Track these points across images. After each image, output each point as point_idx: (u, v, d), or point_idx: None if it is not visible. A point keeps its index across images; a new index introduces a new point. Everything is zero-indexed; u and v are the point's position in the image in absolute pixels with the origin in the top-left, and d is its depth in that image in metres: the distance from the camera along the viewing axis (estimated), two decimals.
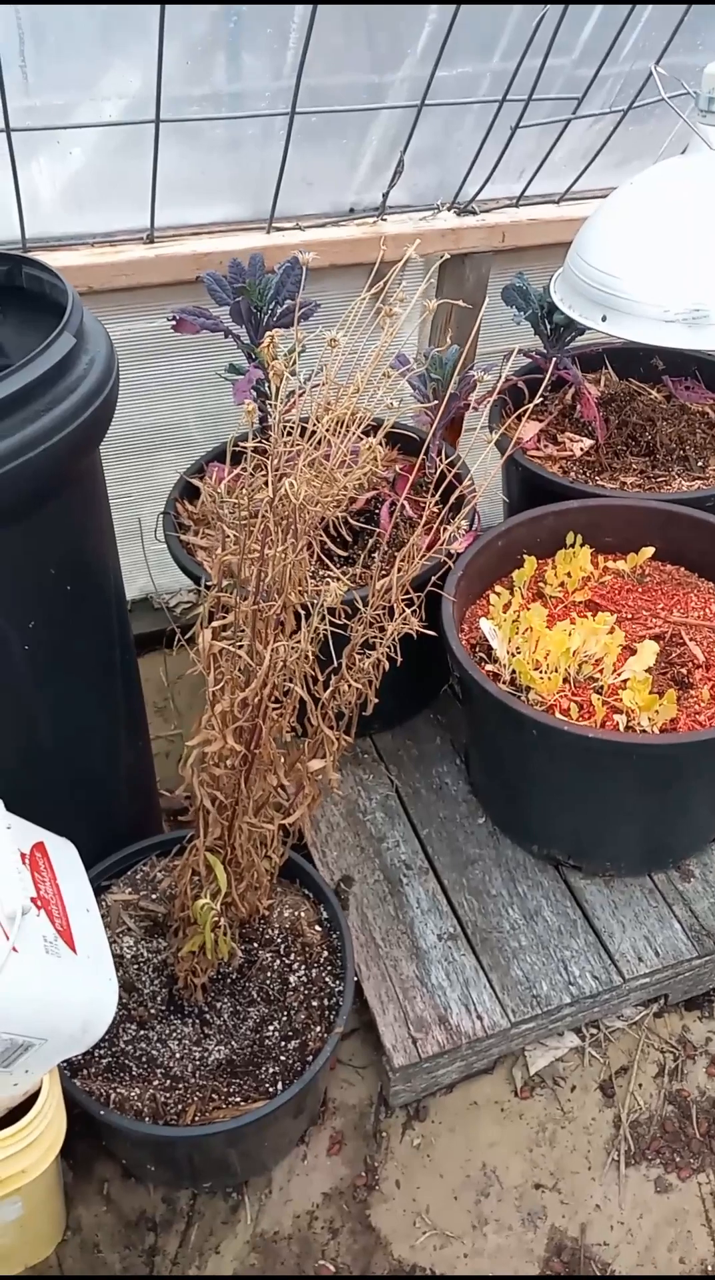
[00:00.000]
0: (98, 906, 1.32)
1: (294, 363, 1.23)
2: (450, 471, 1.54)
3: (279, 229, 1.91)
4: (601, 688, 1.60)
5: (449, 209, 2.07)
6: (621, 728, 1.53)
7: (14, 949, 1.01)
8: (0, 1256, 1.39)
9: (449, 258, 1.92)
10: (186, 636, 1.27)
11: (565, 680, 1.61)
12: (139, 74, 1.60)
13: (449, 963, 1.66)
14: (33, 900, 1.10)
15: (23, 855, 1.15)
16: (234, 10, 1.58)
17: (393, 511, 1.80)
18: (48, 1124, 1.16)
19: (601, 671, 1.61)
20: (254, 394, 1.68)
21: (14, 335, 1.45)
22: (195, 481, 1.95)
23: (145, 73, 1.58)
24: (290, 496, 1.13)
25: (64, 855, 1.27)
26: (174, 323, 1.74)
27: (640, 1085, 1.66)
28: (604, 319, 1.48)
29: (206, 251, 1.82)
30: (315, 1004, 1.45)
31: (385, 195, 1.95)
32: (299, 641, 1.22)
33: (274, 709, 1.27)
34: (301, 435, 1.18)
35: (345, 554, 1.77)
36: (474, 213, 2.07)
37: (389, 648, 1.30)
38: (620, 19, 1.79)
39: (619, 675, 1.61)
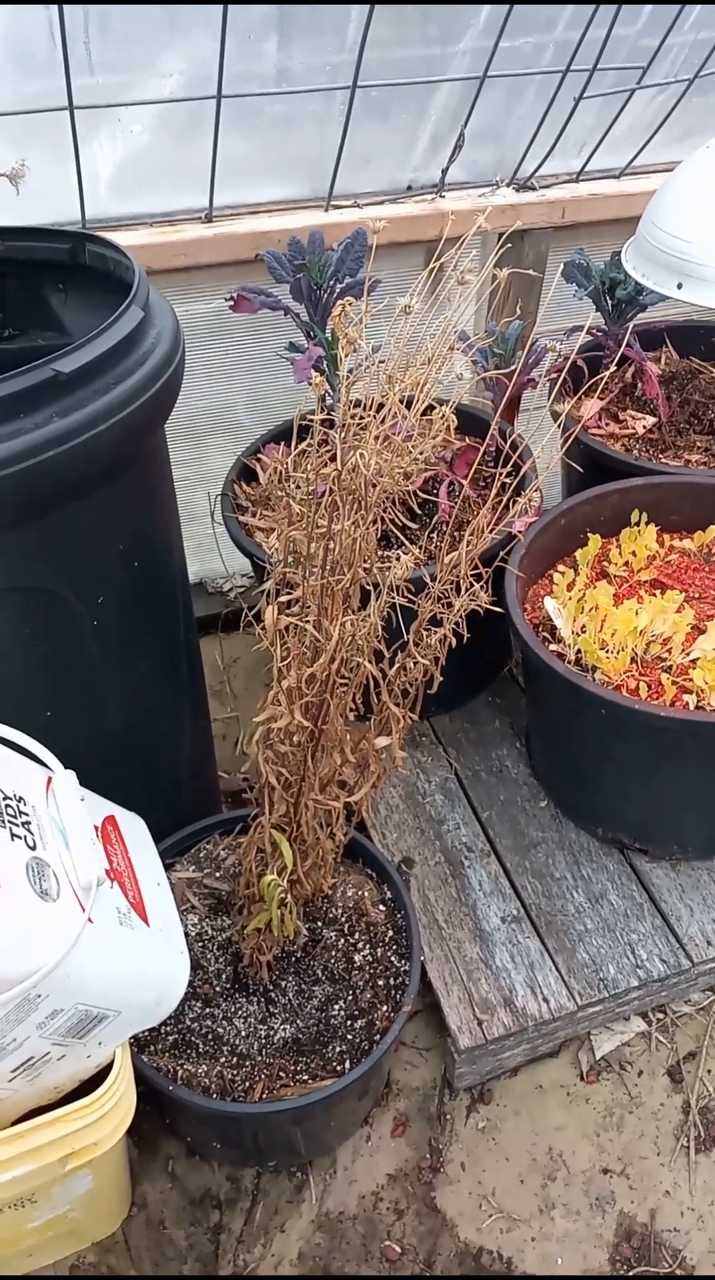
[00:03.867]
0: None
1: (361, 334, 1.21)
2: (513, 451, 1.53)
3: (337, 207, 1.90)
4: (670, 667, 1.57)
5: (508, 185, 2.04)
6: (691, 707, 1.50)
7: (89, 920, 1.01)
8: (69, 1230, 1.40)
9: (509, 233, 1.90)
10: (252, 613, 1.26)
11: (632, 660, 1.58)
12: (200, 51, 1.59)
13: (513, 945, 1.64)
14: (106, 872, 1.10)
15: (95, 828, 1.16)
16: None
17: (454, 490, 1.78)
18: (120, 1097, 1.16)
19: (670, 651, 1.58)
20: (314, 371, 1.67)
21: (76, 313, 1.46)
22: (252, 463, 1.95)
23: (207, 49, 1.58)
24: (361, 468, 1.11)
25: (135, 829, 1.27)
26: (232, 302, 1.73)
27: (709, 1071, 1.63)
28: (680, 286, 1.45)
29: (265, 230, 1.82)
30: (381, 983, 1.44)
31: (444, 171, 1.93)
32: (367, 616, 1.21)
33: (341, 684, 1.26)
34: (369, 409, 1.17)
35: (409, 530, 1.76)
36: (533, 188, 2.04)
37: (456, 623, 1.28)
38: None
39: (688, 655, 1.58)
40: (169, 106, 1.66)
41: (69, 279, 1.42)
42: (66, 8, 1.44)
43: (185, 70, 1.64)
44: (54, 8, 1.44)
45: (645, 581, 1.75)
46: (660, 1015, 1.69)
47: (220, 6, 1.49)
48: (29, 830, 1.01)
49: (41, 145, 1.63)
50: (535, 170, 2.02)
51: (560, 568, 1.77)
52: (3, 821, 0.98)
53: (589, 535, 1.78)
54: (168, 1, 1.48)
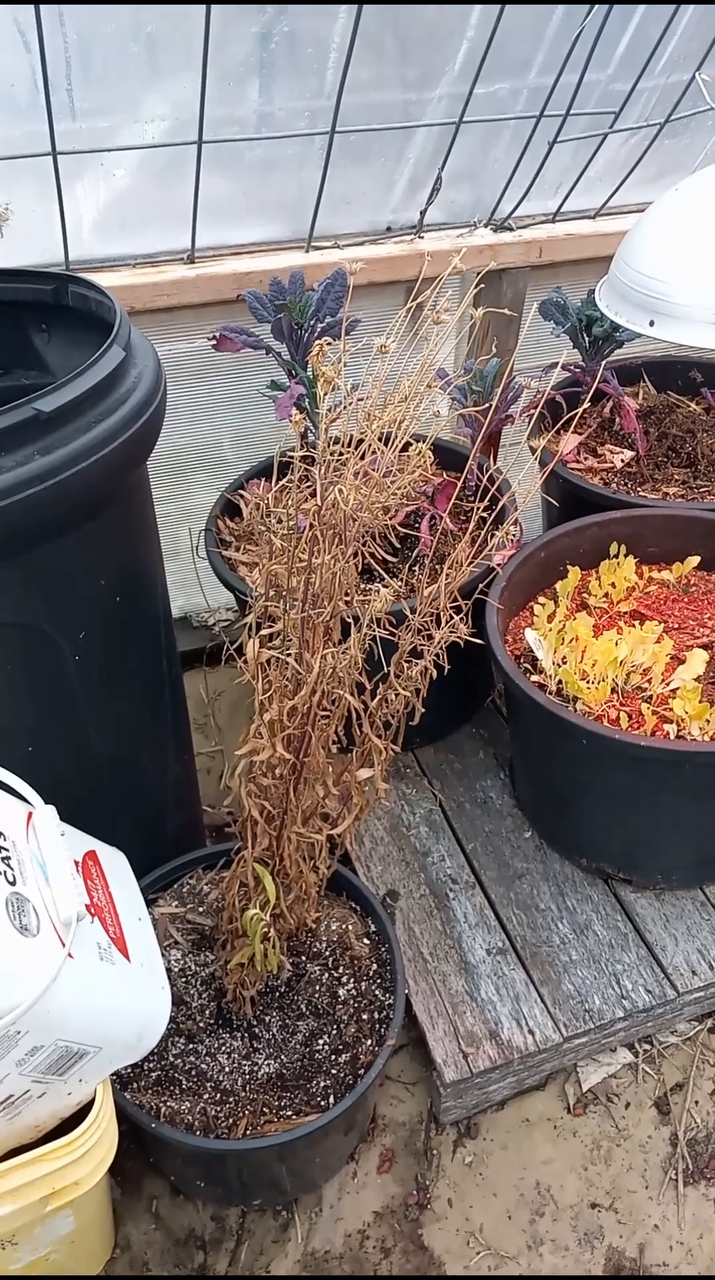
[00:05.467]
0: None
1: (340, 373, 1.23)
2: (491, 485, 1.55)
3: (317, 248, 1.93)
4: (650, 697, 1.59)
5: (486, 226, 2.08)
6: (672, 737, 1.51)
7: (69, 955, 1.01)
8: (52, 1273, 1.38)
9: (486, 273, 1.94)
10: (234, 646, 1.27)
11: (613, 690, 1.60)
12: (180, 97, 1.63)
13: (499, 977, 1.64)
14: (86, 908, 1.10)
15: (76, 863, 1.16)
16: (275, 33, 1.60)
17: (434, 524, 1.80)
18: (101, 1135, 1.15)
19: (650, 681, 1.60)
20: (296, 409, 1.69)
21: (59, 353, 1.48)
22: (235, 498, 1.96)
23: (186, 96, 1.61)
24: (339, 504, 1.13)
25: (115, 864, 1.27)
26: (214, 341, 1.76)
27: (696, 1102, 1.63)
28: (652, 324, 1.48)
29: (247, 271, 1.85)
30: (365, 1017, 1.44)
31: (423, 212, 1.97)
32: (348, 649, 1.22)
33: (323, 717, 1.27)
34: (348, 445, 1.19)
35: (389, 564, 1.77)
36: (511, 229, 2.08)
37: (436, 654, 1.29)
38: (656, 33, 1.80)
39: (668, 684, 1.59)
40: (151, 150, 1.70)
41: (52, 319, 1.45)
42: (49, 54, 1.47)
43: (167, 114, 1.67)
44: (37, 53, 1.46)
45: (625, 613, 1.77)
46: (647, 1046, 1.69)
47: (200, 50, 1.52)
48: (8, 865, 1.01)
49: (25, 187, 1.66)
50: (512, 211, 2.06)
51: (540, 599, 1.79)
52: None
53: (569, 567, 1.79)
54: (151, 1, 1.49)
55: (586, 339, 2.01)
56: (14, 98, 1.54)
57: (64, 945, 1.01)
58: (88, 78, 1.55)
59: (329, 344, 1.17)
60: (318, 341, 1.13)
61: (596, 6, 1.68)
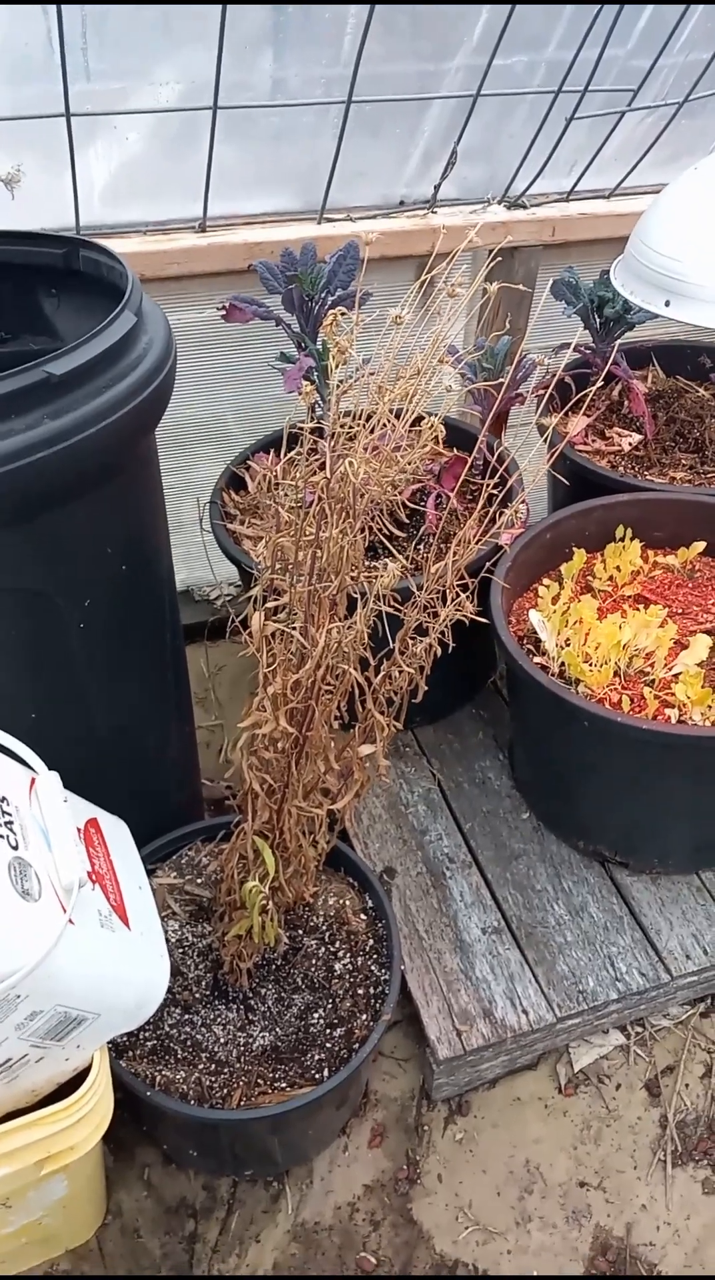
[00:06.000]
0: None
1: (352, 345, 1.22)
2: (499, 465, 1.54)
3: (330, 219, 1.92)
4: (653, 681, 1.58)
5: (499, 203, 2.06)
6: (673, 721, 1.51)
7: (70, 921, 1.01)
8: (44, 1237, 1.39)
9: (498, 251, 1.92)
10: (239, 619, 1.27)
11: (615, 673, 1.60)
12: (197, 61, 1.61)
13: (493, 956, 1.64)
14: (88, 875, 1.10)
15: (78, 830, 1.16)
16: None
17: (440, 502, 1.79)
18: (97, 1101, 1.16)
19: (653, 665, 1.60)
20: (305, 381, 1.68)
21: (69, 319, 1.46)
22: (241, 472, 1.95)
23: (203, 60, 1.59)
24: (349, 477, 1.12)
25: (117, 833, 1.27)
26: (224, 311, 1.74)
27: (687, 1085, 1.64)
28: (667, 304, 1.46)
29: (258, 241, 1.83)
30: (361, 992, 1.44)
31: (437, 187, 1.95)
32: (353, 624, 1.22)
33: (326, 691, 1.27)
34: (358, 419, 1.18)
35: (396, 538, 1.77)
36: (524, 206, 2.06)
37: (441, 632, 1.29)
38: (676, 11, 1.78)
39: (670, 669, 1.59)
40: (164, 116, 1.68)
41: (62, 284, 1.43)
42: (65, 12, 1.45)
43: (181, 80, 1.65)
44: (53, 14, 1.45)
45: (629, 596, 1.77)
46: (639, 1029, 1.70)
47: (218, 18, 1.50)
48: (11, 830, 1.01)
49: (36, 151, 1.64)
50: (526, 189, 2.04)
51: (545, 581, 1.79)
52: None
53: (574, 550, 1.79)
54: (172, 1, 1.48)
55: (598, 320, 1.99)
56: (29, 58, 1.52)
57: (65, 911, 1.01)
58: (103, 40, 1.53)
59: (342, 315, 1.15)
60: (332, 312, 1.12)
61: None
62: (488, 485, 1.34)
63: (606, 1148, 1.58)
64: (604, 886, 1.74)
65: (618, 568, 1.80)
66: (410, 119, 1.86)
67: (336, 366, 1.15)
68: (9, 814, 1.02)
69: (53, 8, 1.42)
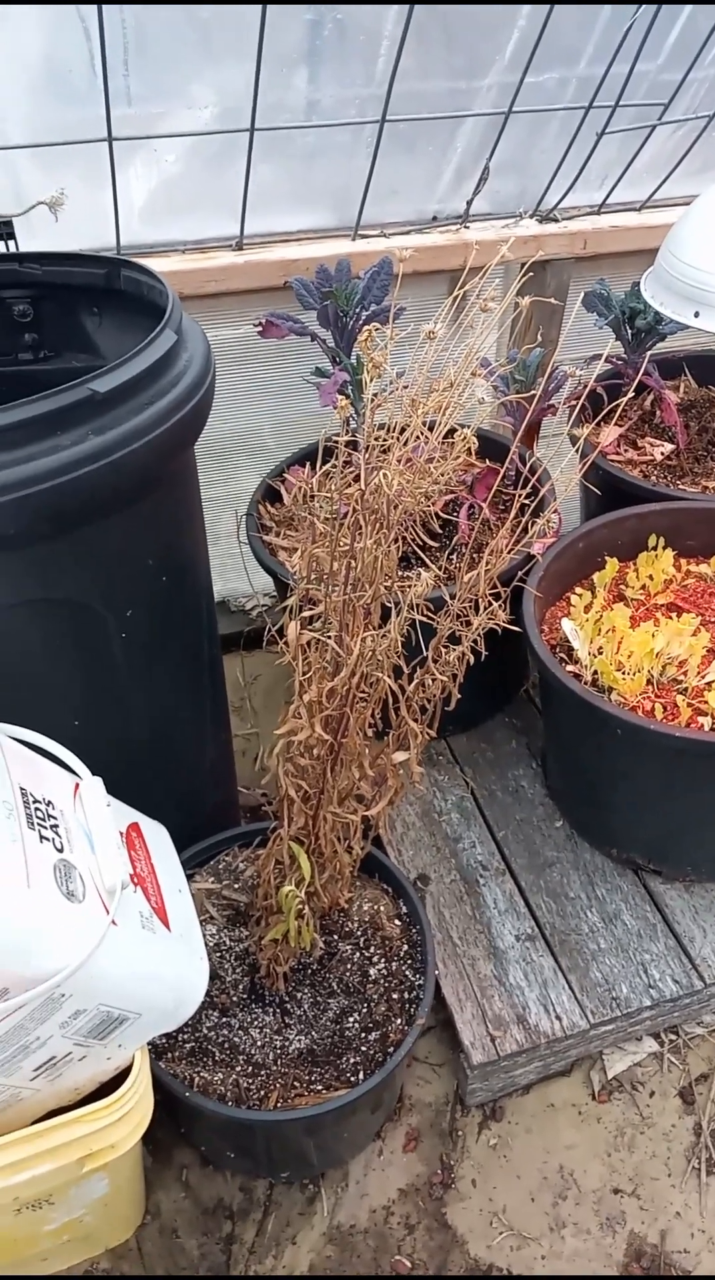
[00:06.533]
0: None
1: (386, 359, 1.25)
2: (531, 475, 1.56)
3: (364, 236, 1.94)
4: (686, 689, 1.59)
5: (531, 216, 2.08)
6: (707, 729, 1.52)
7: (113, 922, 1.04)
8: (84, 1235, 1.42)
9: (531, 263, 1.94)
10: (276, 629, 1.29)
11: (648, 681, 1.60)
12: (232, 83, 1.64)
13: (527, 963, 1.65)
14: (130, 877, 1.13)
15: (120, 834, 1.18)
16: (327, 20, 1.62)
17: (473, 512, 1.81)
18: (138, 1100, 1.18)
19: (685, 673, 1.60)
20: (340, 395, 1.70)
21: (110, 336, 1.50)
22: (277, 484, 1.99)
23: (238, 82, 1.62)
24: (383, 489, 1.15)
25: (157, 837, 1.30)
26: (261, 327, 1.78)
27: None
28: (696, 315, 1.48)
29: (294, 258, 1.86)
30: (395, 996, 1.46)
31: (469, 202, 1.98)
32: (387, 633, 1.24)
33: (361, 699, 1.29)
34: (392, 432, 1.20)
35: (429, 547, 1.79)
36: (556, 220, 2.08)
37: (474, 641, 1.31)
38: (708, 25, 1.80)
39: (703, 677, 1.60)
40: (202, 136, 1.72)
41: (104, 303, 1.47)
42: (108, 35, 1.49)
43: (218, 101, 1.69)
44: (95, 38, 1.48)
45: (662, 605, 1.77)
46: (673, 1036, 1.70)
47: (256, 37, 1.54)
48: (57, 833, 1.04)
49: (77, 171, 1.68)
50: (558, 202, 2.06)
51: (578, 590, 1.80)
52: (33, 824, 1.01)
53: (607, 558, 1.80)
54: (208, 1, 1.51)
55: (629, 331, 2.01)
56: (72, 83, 1.56)
57: (108, 912, 1.03)
58: (143, 64, 1.57)
59: (377, 329, 1.18)
60: (366, 327, 1.15)
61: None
62: (519, 495, 1.36)
63: (640, 1155, 1.58)
64: (637, 894, 1.75)
65: (650, 576, 1.81)
66: (443, 136, 1.89)
67: (371, 380, 1.18)
68: (54, 818, 1.05)
69: (95, 33, 1.46)
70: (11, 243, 1.56)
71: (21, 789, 1.03)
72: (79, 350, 1.52)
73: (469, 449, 1.26)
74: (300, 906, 1.37)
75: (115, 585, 1.24)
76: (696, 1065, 1.67)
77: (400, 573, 1.39)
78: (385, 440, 1.20)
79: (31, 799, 1.04)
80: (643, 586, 1.81)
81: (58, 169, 1.67)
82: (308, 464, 1.99)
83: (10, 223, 1.55)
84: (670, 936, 1.68)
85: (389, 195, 1.94)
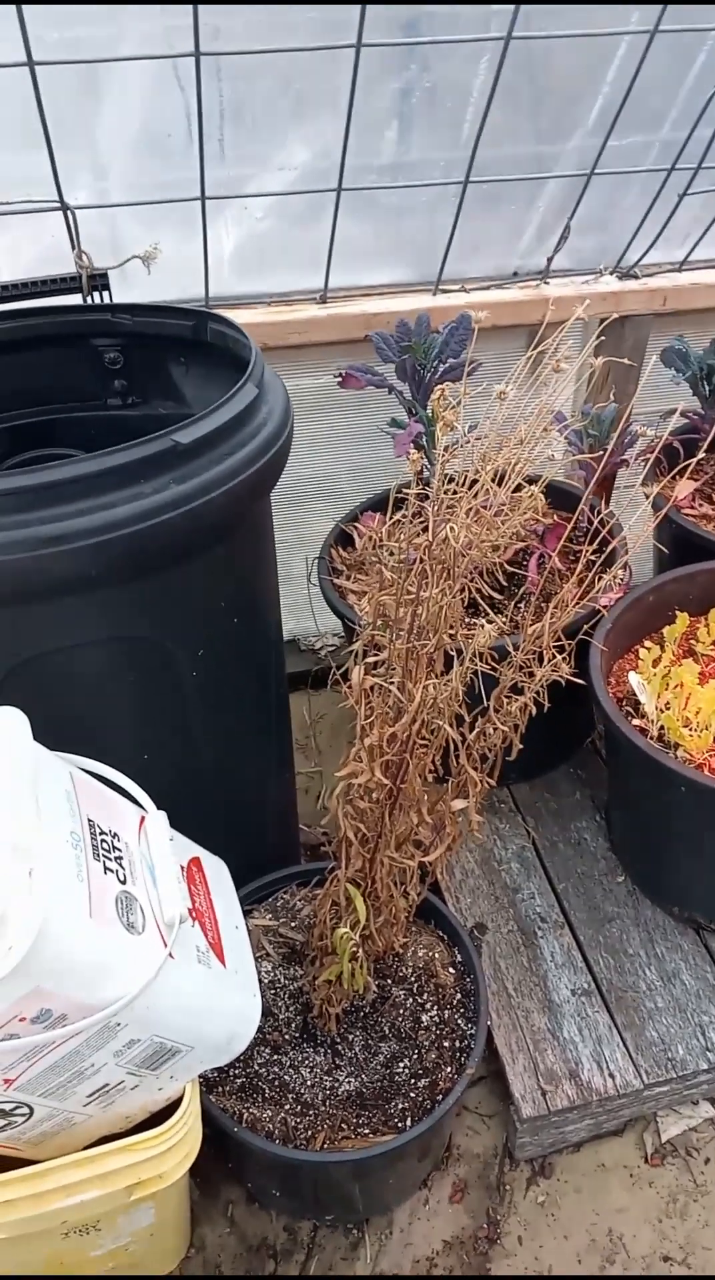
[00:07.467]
0: None
1: (458, 416, 1.28)
2: (603, 528, 1.57)
3: (445, 291, 1.99)
4: None
5: (611, 273, 2.11)
6: None
7: (170, 955, 1.07)
8: (129, 1264, 1.43)
9: (610, 319, 1.97)
10: (340, 672, 1.32)
11: None
12: (322, 145, 1.71)
13: (582, 1018, 1.64)
14: (189, 911, 1.16)
15: (181, 868, 1.22)
16: (416, 88, 1.67)
17: (542, 563, 1.83)
18: (187, 1131, 1.20)
19: None
20: (414, 447, 1.74)
21: (195, 385, 1.56)
22: (350, 529, 2.03)
23: (328, 144, 1.69)
24: (450, 541, 1.17)
25: (217, 872, 1.33)
26: (340, 379, 1.83)
27: None
28: None
29: (375, 312, 1.91)
30: (446, 1044, 1.46)
31: (549, 260, 2.01)
32: (449, 681, 1.26)
33: (421, 745, 1.31)
34: (462, 485, 1.23)
35: (496, 600, 1.81)
36: (636, 277, 2.10)
37: (537, 692, 1.32)
38: None
39: None
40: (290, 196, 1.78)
41: (191, 353, 1.53)
42: (205, 103, 1.56)
43: (308, 162, 1.75)
44: (193, 103, 1.56)
45: None
46: None
47: (344, 103, 1.60)
48: (120, 865, 1.08)
49: (171, 225, 1.76)
50: (639, 259, 2.08)
51: (647, 643, 1.80)
52: (98, 855, 1.04)
53: (677, 613, 1.80)
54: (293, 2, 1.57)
55: (707, 387, 2.01)
56: (169, 146, 1.64)
57: (166, 945, 1.06)
58: (238, 128, 1.64)
59: (448, 388, 1.21)
60: (439, 386, 1.18)
61: None
62: (586, 550, 1.38)
63: (693, 1223, 1.55)
64: (698, 954, 1.72)
65: None
66: (526, 195, 1.93)
67: (441, 437, 1.21)
68: (119, 849, 1.09)
69: (194, 105, 1.53)
70: (106, 293, 1.63)
71: (89, 820, 1.07)
72: (165, 397, 1.58)
73: (539, 504, 1.29)
74: (354, 949, 1.38)
75: (188, 626, 1.29)
76: None
77: (467, 619, 1.41)
78: (455, 493, 1.23)
79: (99, 830, 1.08)
80: (713, 642, 1.79)
81: (154, 223, 1.75)
82: (381, 511, 2.03)
83: (105, 274, 1.63)
84: None
85: (471, 251, 1.98)
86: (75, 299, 1.62)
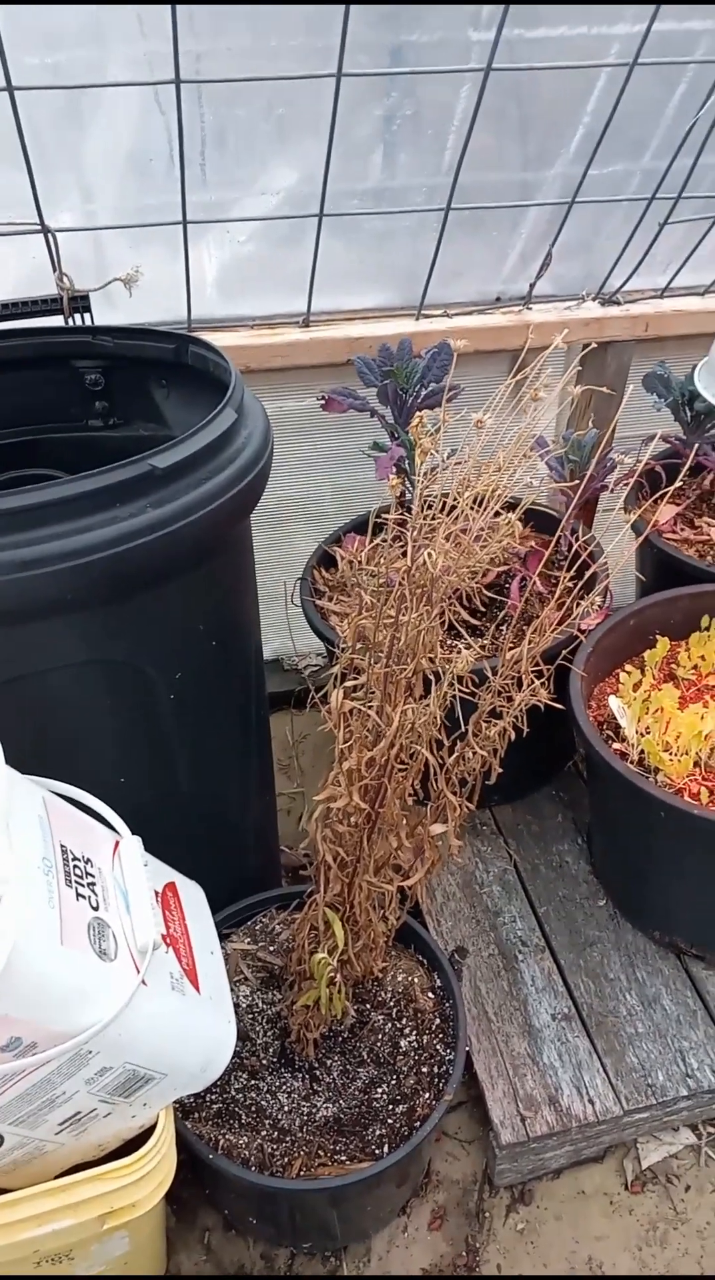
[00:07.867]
0: None
1: (437, 442, 1.29)
2: (584, 550, 1.57)
3: (427, 316, 2.00)
4: None
5: (593, 299, 2.12)
6: None
7: (143, 982, 1.06)
8: None
9: (592, 346, 1.98)
10: (319, 695, 1.32)
11: (696, 764, 1.60)
12: (304, 170, 1.72)
13: (562, 1043, 1.63)
14: (163, 937, 1.15)
15: (156, 894, 1.21)
16: (397, 115, 1.69)
17: (523, 586, 1.83)
18: (161, 1159, 1.19)
19: None
20: (395, 470, 1.75)
21: (177, 407, 1.57)
22: (332, 550, 2.03)
23: (310, 169, 1.70)
24: (428, 566, 1.18)
25: (193, 897, 1.32)
26: (323, 402, 1.84)
27: None
28: None
29: (358, 336, 1.92)
30: (425, 1070, 1.45)
31: (532, 285, 2.02)
32: (427, 705, 1.26)
33: (400, 770, 1.31)
34: (441, 510, 1.23)
35: (475, 624, 1.81)
36: (618, 303, 2.12)
37: (515, 717, 1.32)
38: None
39: None
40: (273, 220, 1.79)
41: (172, 375, 1.54)
42: (188, 131, 1.57)
43: (291, 186, 1.77)
44: (175, 132, 1.57)
45: (713, 686, 1.77)
46: (711, 1129, 1.66)
47: (327, 129, 1.61)
48: (93, 891, 1.07)
49: (155, 248, 1.77)
50: (621, 286, 2.10)
51: (627, 667, 1.80)
52: (70, 881, 1.04)
53: (658, 637, 1.80)
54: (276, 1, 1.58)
55: (688, 413, 2.03)
56: (153, 169, 1.65)
57: (139, 972, 1.06)
58: (221, 154, 1.66)
59: (427, 415, 1.22)
60: (417, 414, 1.18)
61: None
62: (565, 575, 1.38)
63: (673, 1251, 1.54)
64: (678, 979, 1.72)
65: (703, 657, 1.80)
66: (509, 221, 1.95)
67: (421, 463, 1.22)
68: (92, 875, 1.08)
69: (176, 130, 1.54)
70: (88, 315, 1.64)
71: (62, 846, 1.07)
72: (146, 419, 1.59)
73: (516, 531, 1.29)
74: (332, 974, 1.37)
75: (166, 649, 1.29)
76: None
77: (447, 642, 1.41)
78: (433, 518, 1.23)
79: (71, 856, 1.07)
80: (694, 667, 1.80)
81: (139, 246, 1.76)
82: (363, 532, 2.03)
83: (87, 296, 1.64)
84: (711, 1024, 1.65)
85: (453, 276, 1.99)
86: (58, 320, 1.63)
